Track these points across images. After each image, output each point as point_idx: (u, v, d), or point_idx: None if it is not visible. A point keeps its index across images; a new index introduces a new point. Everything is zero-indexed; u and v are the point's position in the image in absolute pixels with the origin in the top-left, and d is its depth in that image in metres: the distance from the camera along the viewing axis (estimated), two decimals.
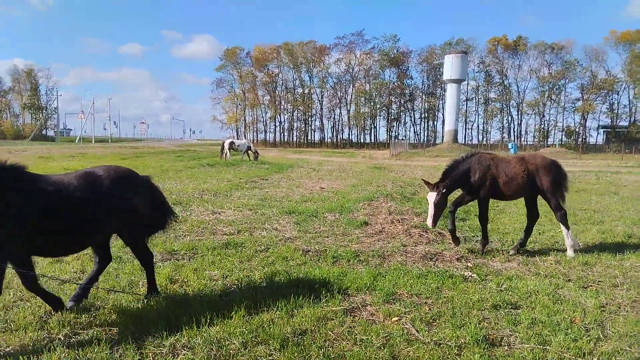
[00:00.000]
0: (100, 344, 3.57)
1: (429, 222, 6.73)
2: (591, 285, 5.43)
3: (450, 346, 3.76)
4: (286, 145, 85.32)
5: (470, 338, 3.87)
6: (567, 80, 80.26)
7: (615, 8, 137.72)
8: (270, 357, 3.52)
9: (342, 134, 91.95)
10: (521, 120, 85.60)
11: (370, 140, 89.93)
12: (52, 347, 3.52)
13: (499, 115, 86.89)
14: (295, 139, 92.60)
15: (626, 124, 79.85)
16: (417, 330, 4.05)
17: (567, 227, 7.00)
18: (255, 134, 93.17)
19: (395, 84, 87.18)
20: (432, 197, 6.67)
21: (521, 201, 11.67)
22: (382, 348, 3.70)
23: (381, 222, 8.91)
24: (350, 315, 4.38)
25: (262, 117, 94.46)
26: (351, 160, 38.47)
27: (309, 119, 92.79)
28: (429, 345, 3.77)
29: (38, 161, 26.68)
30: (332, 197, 12.90)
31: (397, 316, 4.37)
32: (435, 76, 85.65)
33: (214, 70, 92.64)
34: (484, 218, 7.05)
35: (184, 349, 3.61)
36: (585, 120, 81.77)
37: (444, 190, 6.66)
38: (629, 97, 79.61)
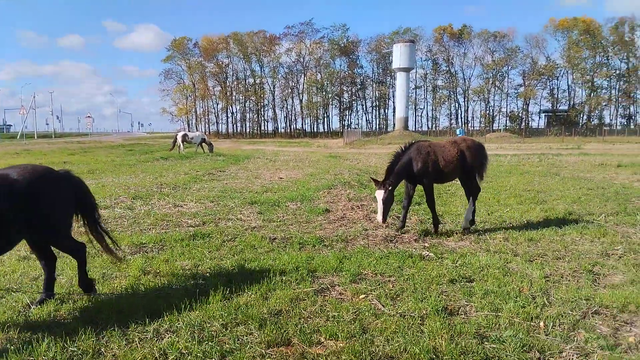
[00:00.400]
0: (86, 332, 3.70)
1: (379, 218, 7.06)
2: (536, 259, 5.97)
3: (413, 317, 4.13)
4: (239, 137, 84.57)
5: (431, 309, 4.25)
6: (510, 67, 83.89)
7: None
8: (251, 336, 3.77)
9: (295, 123, 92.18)
10: (468, 107, 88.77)
11: (324, 129, 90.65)
12: (38, 338, 3.62)
13: (446, 102, 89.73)
14: (248, 129, 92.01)
15: (566, 107, 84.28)
16: (382, 305, 4.41)
17: (474, 204, 7.79)
18: (207, 125, 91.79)
19: (346, 73, 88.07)
20: (380, 194, 6.99)
21: None
22: (353, 322, 4.02)
23: (342, 209, 9.27)
24: (321, 295, 4.68)
25: (214, 108, 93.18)
26: (306, 150, 38.76)
27: (262, 110, 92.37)
28: (395, 317, 4.13)
29: None
30: (292, 186, 13.14)
31: (364, 294, 4.71)
32: (385, 65, 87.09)
33: (162, 61, 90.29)
34: (432, 201, 7.54)
35: (167, 333, 3.80)
36: (528, 105, 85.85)
37: (390, 188, 6.99)
38: (567, 82, 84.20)
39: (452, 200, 10.67)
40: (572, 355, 3.53)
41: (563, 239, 6.93)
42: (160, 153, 30.26)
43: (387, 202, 7.04)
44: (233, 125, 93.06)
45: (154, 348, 3.53)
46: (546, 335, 3.83)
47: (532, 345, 3.65)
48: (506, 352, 3.53)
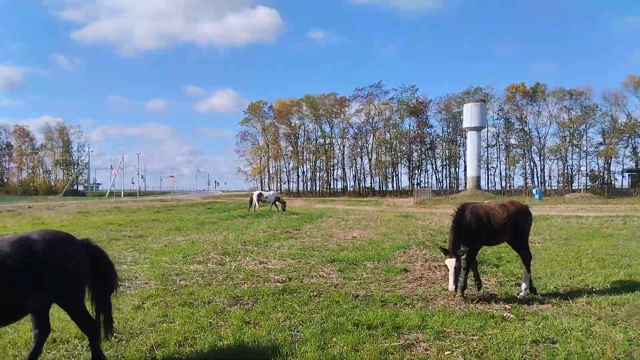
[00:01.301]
0: None
1: (451, 287, 7.00)
2: (620, 323, 5.97)
3: None
4: (309, 195, 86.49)
5: None
6: (588, 125, 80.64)
7: (630, 51, 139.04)
8: None
9: (364, 182, 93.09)
10: (544, 166, 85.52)
11: (393, 187, 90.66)
12: None
13: (521, 161, 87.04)
14: (318, 188, 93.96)
15: None
16: None
17: (529, 270, 7.79)
18: (278, 184, 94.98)
19: (416, 132, 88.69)
20: (451, 263, 6.95)
21: (550, 247, 12.22)
22: None
23: (419, 269, 9.56)
24: (408, 350, 5.04)
25: (285, 167, 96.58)
26: (376, 209, 39.09)
27: (331, 168, 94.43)
28: None
29: (77, 216, 27.97)
30: (367, 245, 13.57)
31: (449, 350, 5.01)
32: (455, 124, 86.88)
33: (239, 123, 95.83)
34: (475, 262, 7.70)
35: None
36: (609, 164, 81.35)
37: (462, 257, 7.09)
38: None
39: (533, 263, 10.59)
40: None
41: None
42: (237, 211, 31.89)
43: (459, 270, 7.05)
44: (303, 184, 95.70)
45: None
46: None
47: None
48: None
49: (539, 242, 14.16)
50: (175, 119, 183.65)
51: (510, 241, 8.05)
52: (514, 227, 7.74)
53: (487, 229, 7.52)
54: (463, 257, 7.14)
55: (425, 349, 5.11)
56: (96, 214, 31.70)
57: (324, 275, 9.09)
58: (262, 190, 33.41)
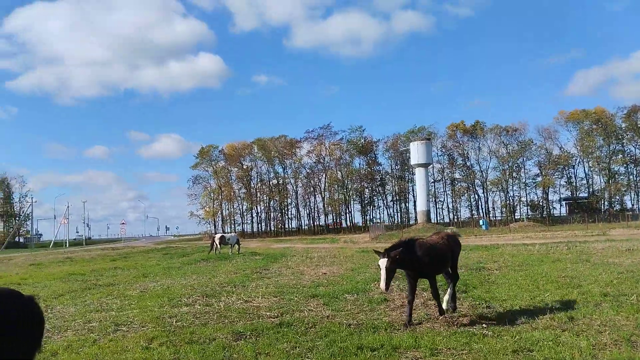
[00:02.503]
0: None
1: (382, 285, 7.55)
2: (582, 333, 6.96)
3: None
4: (264, 235, 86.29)
5: None
6: (525, 159, 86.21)
7: (557, 88, 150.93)
8: None
9: (318, 220, 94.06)
10: (487, 198, 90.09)
11: (347, 224, 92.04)
12: None
13: (465, 194, 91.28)
14: (272, 228, 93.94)
15: (586, 195, 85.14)
16: None
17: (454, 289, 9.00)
18: (232, 226, 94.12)
19: (366, 170, 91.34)
20: (383, 262, 7.54)
21: (508, 273, 13.39)
22: None
23: (398, 298, 10.34)
24: None
25: (239, 209, 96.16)
26: (335, 246, 39.79)
27: (285, 208, 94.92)
28: None
29: (31, 269, 26.97)
30: (340, 280, 14.24)
31: None
32: (402, 161, 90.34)
33: (190, 168, 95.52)
34: (436, 291, 8.38)
35: None
36: (547, 194, 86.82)
37: (393, 257, 7.55)
38: (584, 169, 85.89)
39: (496, 288, 11.63)
40: None
41: (602, 317, 7.89)
42: (197, 255, 31.71)
43: (391, 270, 7.60)
44: (258, 225, 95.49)
45: None
46: None
47: None
48: None
49: (496, 270, 15.34)
50: (119, 165, 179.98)
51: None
52: (453, 256, 8.94)
53: (437, 259, 8.40)
54: (392, 258, 7.58)
55: None
56: (49, 265, 30.57)
57: (312, 309, 9.69)
58: (223, 233, 33.37)
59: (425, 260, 8.06)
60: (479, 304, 9.55)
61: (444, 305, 8.64)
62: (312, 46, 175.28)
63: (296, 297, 11.32)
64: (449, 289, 8.92)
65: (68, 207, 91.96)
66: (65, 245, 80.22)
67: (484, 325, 7.72)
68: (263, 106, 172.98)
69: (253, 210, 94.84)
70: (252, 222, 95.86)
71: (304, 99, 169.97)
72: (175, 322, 8.98)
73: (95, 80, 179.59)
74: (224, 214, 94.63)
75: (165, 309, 10.39)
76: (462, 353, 6.18)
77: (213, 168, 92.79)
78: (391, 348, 6.41)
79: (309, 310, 9.59)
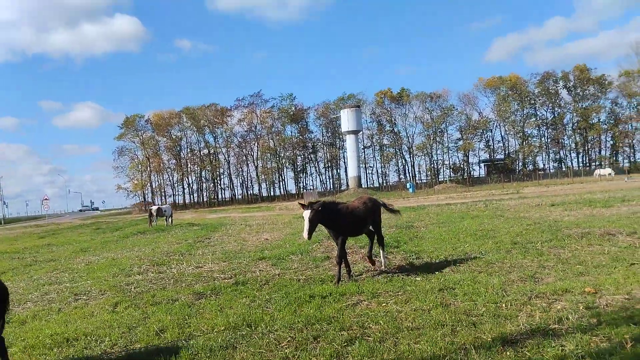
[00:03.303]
0: None
1: (305, 235, 8.09)
2: (494, 273, 8.33)
3: (423, 309, 6.31)
4: (197, 206, 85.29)
5: (433, 304, 6.46)
6: (448, 124, 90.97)
7: (477, 55, 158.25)
8: (322, 331, 5.82)
9: (252, 189, 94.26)
10: (414, 162, 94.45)
11: (280, 192, 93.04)
12: None
13: (393, 159, 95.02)
14: (205, 198, 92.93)
15: (502, 157, 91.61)
16: (399, 307, 6.57)
17: (383, 248, 9.87)
18: (163, 198, 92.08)
19: (298, 138, 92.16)
20: (307, 214, 8.10)
21: (433, 230, 14.86)
22: (385, 316, 6.15)
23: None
24: (356, 306, 6.79)
25: (170, 180, 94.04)
26: (271, 214, 40.58)
27: (217, 178, 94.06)
28: (410, 311, 6.29)
29: None
30: (283, 245, 15.11)
31: (385, 303, 6.86)
32: (333, 128, 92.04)
33: (114, 139, 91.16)
34: (343, 255, 8.78)
35: (269, 334, 5.78)
36: (468, 157, 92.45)
37: (319, 209, 8.16)
38: (501, 133, 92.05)
39: (423, 242, 13.03)
40: (523, 317, 5.80)
41: (512, 260, 9.37)
42: (131, 229, 31.30)
43: (313, 221, 8.11)
44: (190, 196, 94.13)
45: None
46: (507, 310, 6.11)
47: (498, 315, 5.91)
48: (482, 319, 5.77)
49: (423, 227, 16.90)
50: (31, 138, 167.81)
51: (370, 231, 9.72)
52: (374, 219, 9.50)
53: (355, 222, 8.97)
54: (319, 209, 8.15)
55: (367, 305, 6.90)
56: None
57: (262, 269, 10.53)
58: (159, 205, 33.09)
59: (343, 221, 8.74)
60: (410, 256, 10.83)
61: (383, 261, 9.65)
62: (237, 8, 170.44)
63: (244, 260, 12.09)
64: (381, 252, 9.77)
65: None
66: None
67: (414, 272, 8.95)
68: (188, 72, 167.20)
69: (184, 181, 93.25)
70: (183, 193, 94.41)
71: (231, 65, 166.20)
72: (134, 288, 9.49)
73: (1, 44, 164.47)
74: (154, 186, 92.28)
75: (119, 278, 10.81)
76: (398, 294, 7.30)
77: (140, 138, 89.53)
78: (338, 294, 7.42)
79: (260, 270, 10.43)
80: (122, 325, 6.75)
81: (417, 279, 8.30)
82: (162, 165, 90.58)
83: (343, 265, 8.75)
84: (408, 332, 5.52)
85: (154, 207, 31.07)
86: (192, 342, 5.65)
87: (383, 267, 9.59)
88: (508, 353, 4.73)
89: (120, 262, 13.68)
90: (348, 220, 8.79)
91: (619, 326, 5.16)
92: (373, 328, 5.76)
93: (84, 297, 9.09)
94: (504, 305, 6.32)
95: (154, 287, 9.52)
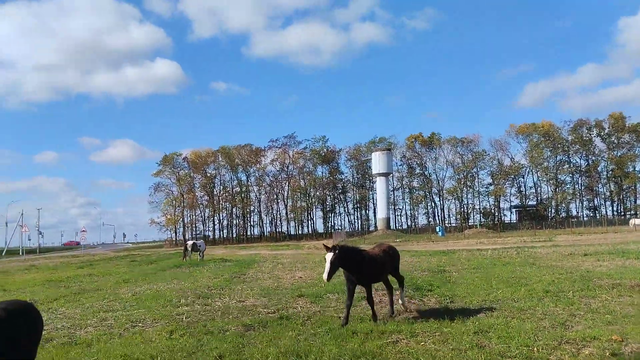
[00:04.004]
0: None
1: (325, 276, 8.37)
2: (526, 319, 8.73)
3: (460, 350, 6.81)
4: (227, 242, 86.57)
5: (468, 345, 6.95)
6: (479, 169, 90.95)
7: (509, 101, 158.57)
8: None
9: (280, 227, 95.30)
10: (443, 205, 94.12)
11: (308, 231, 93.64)
12: None
13: (423, 202, 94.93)
14: (234, 234, 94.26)
15: (534, 202, 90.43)
16: (437, 347, 7.07)
17: (403, 289, 10.33)
18: (193, 233, 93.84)
19: (328, 178, 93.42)
20: (329, 256, 8.38)
21: (465, 275, 15.21)
22: (425, 354, 6.68)
23: (376, 297, 11.90)
24: (396, 344, 7.33)
25: (201, 216, 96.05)
26: (300, 252, 41.17)
27: (248, 215, 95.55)
28: (446, 351, 6.80)
29: None
30: (317, 283, 15.66)
31: (423, 342, 7.38)
32: (363, 170, 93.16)
33: (152, 175, 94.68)
34: (371, 298, 9.23)
35: None
36: (499, 202, 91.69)
37: (337, 252, 8.40)
38: (533, 179, 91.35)
39: (456, 287, 13.40)
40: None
41: (543, 308, 9.73)
42: (165, 262, 32.38)
43: (335, 264, 8.38)
44: (220, 232, 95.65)
45: None
46: (538, 353, 6.56)
47: (530, 357, 6.37)
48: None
49: (455, 272, 17.22)
50: (69, 171, 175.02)
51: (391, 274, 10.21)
52: (393, 264, 10.04)
53: (378, 270, 9.45)
54: (337, 253, 8.45)
55: (406, 343, 7.43)
56: (15, 273, 30.61)
57: (302, 306, 11.14)
58: (194, 240, 34.24)
59: (365, 269, 8.96)
60: (444, 300, 11.27)
61: (402, 305, 10.03)
62: (272, 55, 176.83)
63: (284, 297, 12.71)
64: (400, 292, 10.25)
65: (22, 214, 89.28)
66: (20, 253, 77.80)
67: (449, 314, 9.41)
68: (222, 113, 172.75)
69: (215, 217, 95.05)
70: (214, 229, 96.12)
71: (264, 107, 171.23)
72: (185, 318, 10.23)
73: (46, 84, 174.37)
74: (186, 221, 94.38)
75: (168, 308, 11.57)
76: (435, 334, 7.81)
77: (176, 175, 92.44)
78: (379, 332, 7.96)
79: (300, 307, 11.04)
80: (182, 350, 7.45)
81: (452, 321, 8.76)
82: (195, 201, 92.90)
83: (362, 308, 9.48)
84: None
85: (190, 242, 32.17)
86: None
87: (401, 304, 10.03)
88: None
89: (164, 293, 14.47)
90: (371, 268, 9.10)
91: None
92: None
93: (140, 324, 9.85)
94: (535, 349, 6.76)
95: (202, 317, 10.23)
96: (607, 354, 6.41)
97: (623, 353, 6.44)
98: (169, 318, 10.25)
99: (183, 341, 8.10)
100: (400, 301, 10.28)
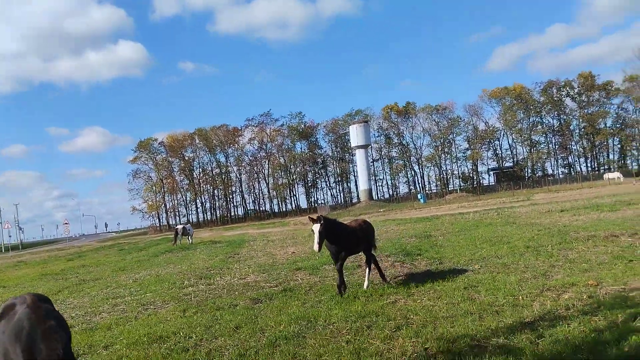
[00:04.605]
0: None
1: (315, 247, 8.70)
2: (510, 273, 9.56)
3: (453, 303, 7.57)
4: (211, 225, 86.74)
5: (461, 299, 7.72)
6: (455, 135, 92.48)
7: (479, 65, 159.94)
8: (373, 322, 7.09)
9: (264, 205, 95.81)
10: (423, 173, 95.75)
11: (292, 208, 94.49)
12: None
13: (403, 171, 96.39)
14: (218, 216, 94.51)
15: (511, 164, 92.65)
16: (432, 303, 7.82)
17: (370, 268, 10.12)
18: (177, 217, 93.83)
19: (308, 154, 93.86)
20: (316, 227, 8.71)
21: (450, 238, 16.05)
22: (421, 310, 7.41)
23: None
24: (395, 304, 8.06)
25: (183, 200, 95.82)
26: (287, 229, 41.76)
27: (230, 196, 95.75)
28: (441, 305, 7.54)
29: None
30: (311, 257, 16.32)
31: (419, 300, 8.12)
32: (342, 143, 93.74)
33: (129, 162, 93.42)
34: (341, 268, 9.33)
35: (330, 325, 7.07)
36: (477, 166, 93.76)
37: (323, 222, 8.74)
38: (508, 141, 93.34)
39: (443, 250, 14.24)
40: (537, 306, 7.04)
41: (525, 262, 10.60)
42: (155, 248, 32.72)
43: (322, 234, 8.68)
44: (203, 214, 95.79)
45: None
46: (523, 301, 7.35)
47: (516, 304, 7.16)
48: (503, 308, 7.02)
49: (440, 236, 18.12)
50: (40, 164, 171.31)
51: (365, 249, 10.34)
52: (368, 239, 10.26)
53: (355, 241, 9.73)
54: (323, 223, 8.74)
55: (405, 302, 8.16)
56: (5, 270, 30.58)
57: (302, 278, 11.81)
58: (184, 225, 34.54)
59: (344, 241, 9.32)
60: (433, 262, 12.08)
61: (366, 283, 9.89)
62: (239, 31, 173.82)
63: (282, 272, 13.35)
64: (368, 270, 10.11)
65: (0, 210, 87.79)
66: (2, 250, 76.88)
67: (439, 274, 10.20)
68: (193, 93, 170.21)
69: (197, 200, 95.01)
70: (197, 212, 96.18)
71: (235, 85, 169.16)
72: (193, 297, 10.81)
73: (7, 74, 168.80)
74: (168, 206, 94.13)
75: (174, 290, 12.12)
76: (429, 292, 8.56)
77: (153, 161, 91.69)
78: (378, 295, 8.70)
79: (300, 279, 11.71)
80: (199, 325, 8.04)
81: (443, 280, 9.54)
82: (175, 185, 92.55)
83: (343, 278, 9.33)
84: (443, 320, 6.78)
85: (180, 227, 32.51)
86: (267, 334, 6.94)
87: (365, 286, 9.73)
88: (525, 331, 5.97)
89: (165, 277, 14.99)
90: (348, 239, 9.45)
91: (614, 309, 6.38)
92: (414, 318, 7.03)
93: (152, 306, 10.39)
94: (520, 297, 7.56)
95: (210, 296, 10.81)
96: (585, 296, 7.23)
97: (598, 295, 7.28)
98: (177, 299, 10.81)
99: (197, 318, 8.69)
100: (366, 279, 10.03)
